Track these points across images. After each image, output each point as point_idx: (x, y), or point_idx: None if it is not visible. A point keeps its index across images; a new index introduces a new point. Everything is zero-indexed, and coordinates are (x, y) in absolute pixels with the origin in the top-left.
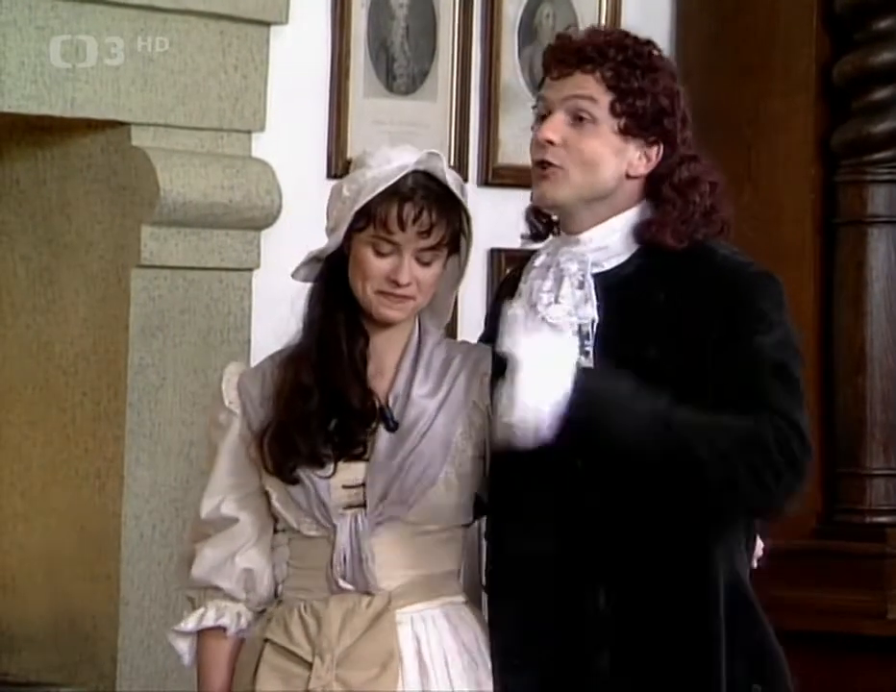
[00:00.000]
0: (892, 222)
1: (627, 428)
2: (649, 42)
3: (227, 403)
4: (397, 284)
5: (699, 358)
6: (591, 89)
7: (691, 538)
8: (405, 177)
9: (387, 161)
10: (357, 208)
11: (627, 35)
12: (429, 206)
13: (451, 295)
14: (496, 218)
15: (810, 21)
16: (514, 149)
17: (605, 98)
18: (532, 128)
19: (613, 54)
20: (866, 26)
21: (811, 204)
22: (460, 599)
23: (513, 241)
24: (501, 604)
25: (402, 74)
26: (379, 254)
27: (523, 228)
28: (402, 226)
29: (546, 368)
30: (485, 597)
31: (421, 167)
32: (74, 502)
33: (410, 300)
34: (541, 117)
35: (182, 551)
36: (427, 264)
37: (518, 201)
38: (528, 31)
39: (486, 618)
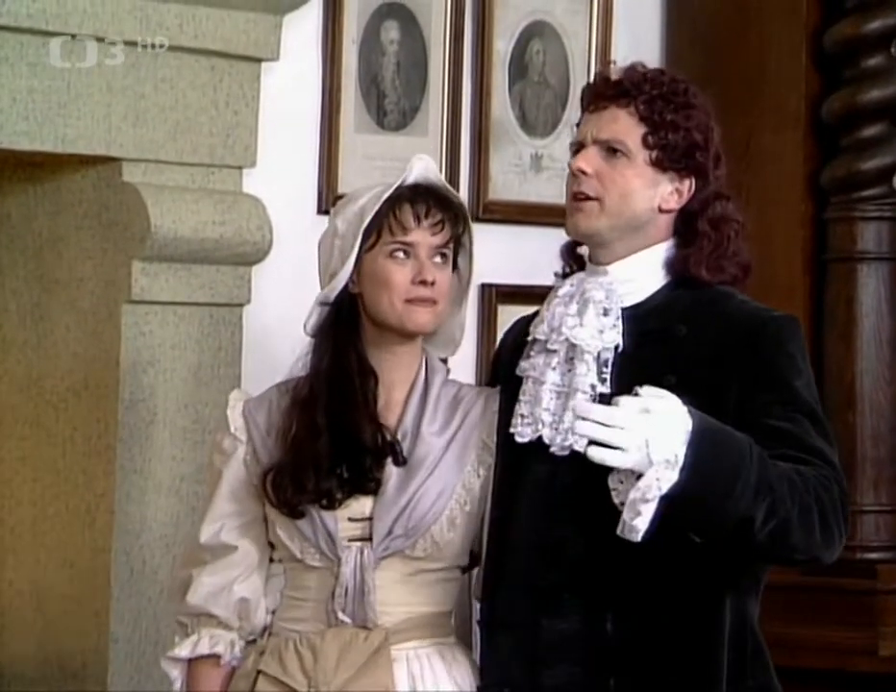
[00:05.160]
0: (882, 258)
1: (734, 509)
2: (687, 82)
3: (232, 429)
4: (424, 284)
5: (719, 393)
6: (624, 122)
7: (705, 579)
8: (402, 185)
9: (370, 189)
10: (366, 222)
11: (664, 72)
12: (435, 201)
13: (456, 319)
14: (487, 253)
15: (800, 59)
16: (505, 184)
17: (637, 130)
18: (568, 163)
19: (648, 88)
20: (855, 64)
21: (801, 240)
22: (452, 640)
23: (505, 276)
24: (500, 634)
25: (392, 110)
26: (397, 262)
27: (514, 262)
28: (418, 220)
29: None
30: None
31: (413, 178)
32: (64, 537)
33: (436, 304)
34: (575, 150)
35: (174, 575)
36: (440, 267)
37: (509, 236)
38: (518, 67)
39: (480, 653)
